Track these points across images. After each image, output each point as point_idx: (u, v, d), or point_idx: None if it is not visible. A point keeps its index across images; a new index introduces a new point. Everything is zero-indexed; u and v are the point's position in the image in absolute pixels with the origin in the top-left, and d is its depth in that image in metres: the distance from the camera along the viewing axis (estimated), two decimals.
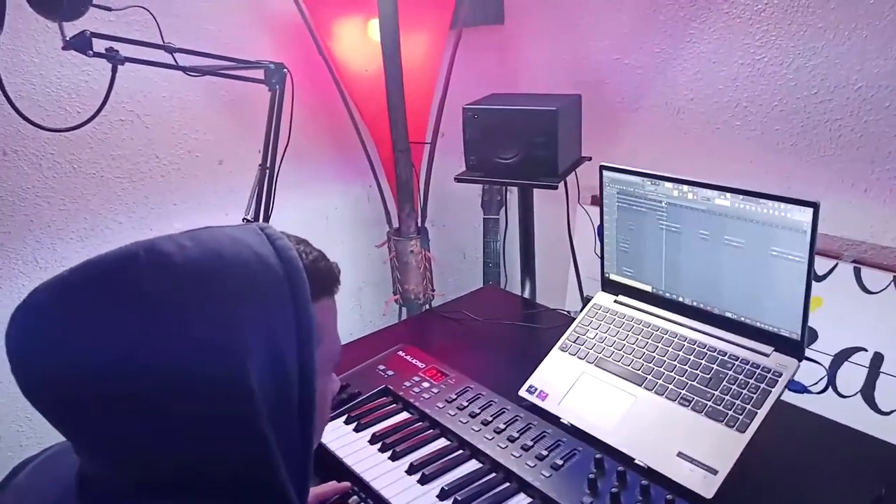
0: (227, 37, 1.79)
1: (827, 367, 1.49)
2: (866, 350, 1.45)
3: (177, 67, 1.37)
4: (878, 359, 1.43)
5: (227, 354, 0.54)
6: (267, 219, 1.56)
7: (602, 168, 1.24)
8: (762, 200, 1.02)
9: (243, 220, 1.56)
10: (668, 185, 1.14)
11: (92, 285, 0.54)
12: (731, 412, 1.02)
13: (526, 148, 1.52)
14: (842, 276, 1.50)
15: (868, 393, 1.44)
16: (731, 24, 1.61)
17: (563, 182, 1.61)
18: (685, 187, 1.12)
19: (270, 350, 0.57)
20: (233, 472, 0.56)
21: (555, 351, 1.25)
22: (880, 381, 1.43)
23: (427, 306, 2.09)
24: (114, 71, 1.31)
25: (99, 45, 1.29)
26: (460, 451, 1.04)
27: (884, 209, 1.47)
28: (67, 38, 1.24)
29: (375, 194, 2.11)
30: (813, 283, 1.44)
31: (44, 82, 1.59)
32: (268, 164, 1.54)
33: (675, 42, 1.73)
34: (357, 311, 2.35)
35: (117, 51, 1.30)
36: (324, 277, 0.67)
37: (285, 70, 1.49)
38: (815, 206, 0.96)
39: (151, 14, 1.37)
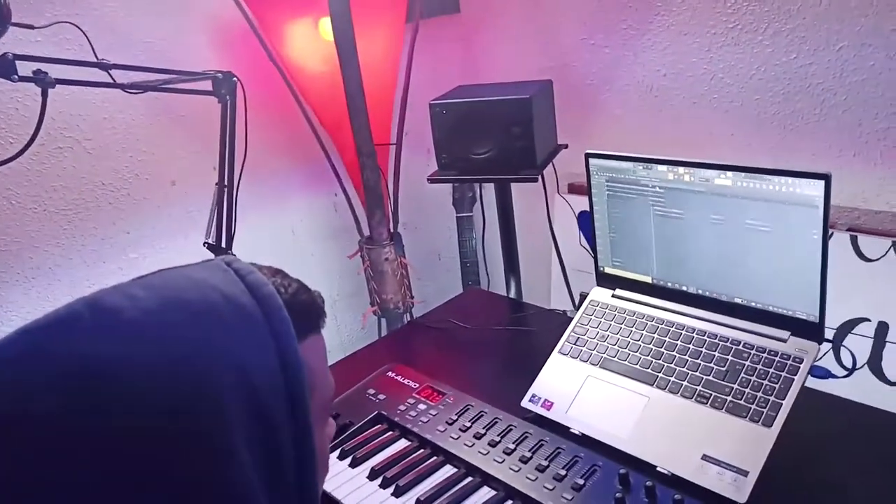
0: (170, 49, 1.67)
1: (830, 341, 1.44)
2: (870, 320, 1.40)
3: (114, 85, 1.25)
4: (882, 328, 1.39)
5: (204, 429, 0.44)
6: (230, 239, 1.45)
7: (588, 156, 1.16)
8: (768, 177, 0.95)
9: (204, 244, 1.44)
10: (662, 168, 1.07)
11: (28, 360, 0.43)
12: (754, 406, 0.95)
13: (501, 140, 1.44)
14: (838, 245, 1.44)
15: (875, 365, 1.39)
16: None
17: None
18: (681, 169, 1.05)
19: (257, 412, 0.47)
20: None
21: (555, 355, 1.17)
22: (887, 350, 1.38)
23: (408, 315, 2.00)
24: (44, 95, 1.18)
25: (27, 68, 1.17)
26: (469, 479, 0.95)
27: (874, 172, 1.42)
28: None
29: (343, 203, 2.01)
30: None
31: None
32: (225, 182, 1.42)
33: (643, 15, 1.66)
34: (333, 326, 2.24)
35: (46, 73, 1.18)
36: (307, 311, 0.56)
37: (235, 79, 1.38)
38: (826, 178, 0.89)
39: (81, 30, 1.25)
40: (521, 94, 1.40)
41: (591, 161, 1.16)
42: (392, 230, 1.95)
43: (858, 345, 1.41)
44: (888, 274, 1.38)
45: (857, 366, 1.41)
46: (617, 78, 1.77)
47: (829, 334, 1.44)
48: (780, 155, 1.52)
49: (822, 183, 0.90)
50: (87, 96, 1.57)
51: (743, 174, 0.97)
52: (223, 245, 1.44)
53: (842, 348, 1.43)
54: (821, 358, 1.44)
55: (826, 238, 0.92)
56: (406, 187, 2.04)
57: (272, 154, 1.94)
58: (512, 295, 1.67)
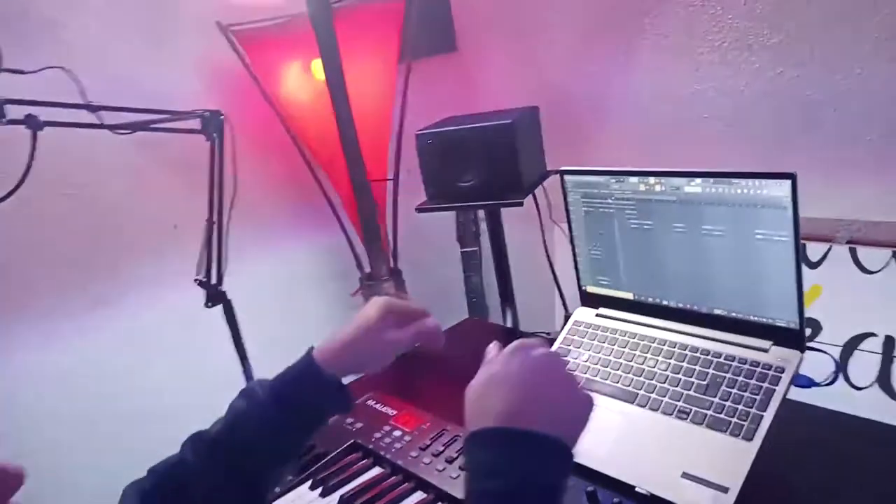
0: (164, 90, 1.71)
1: (837, 359, 1.37)
2: (876, 335, 1.34)
3: (102, 126, 1.29)
4: (890, 343, 1.32)
5: None
6: (220, 276, 1.46)
7: (562, 173, 1.15)
8: (734, 180, 0.93)
9: (195, 280, 1.46)
10: (633, 179, 1.05)
11: None
12: (734, 419, 0.90)
13: (486, 167, 1.43)
14: (838, 259, 1.39)
15: (885, 380, 1.32)
16: (686, 13, 1.54)
17: (533, 201, 1.52)
18: (652, 179, 1.03)
19: None
20: None
21: None
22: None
23: None
24: (34, 138, 1.22)
25: (19, 112, 1.21)
26: None
27: (869, 183, 1.37)
28: None
29: (344, 240, 2.02)
30: (808, 270, 1.34)
31: None
32: (214, 219, 1.44)
33: (632, 39, 1.66)
34: None
35: (36, 116, 1.22)
36: None
37: (222, 117, 1.41)
38: (792, 178, 0.87)
39: (70, 74, 1.29)
40: (504, 119, 1.40)
41: (566, 178, 1.15)
42: (392, 266, 1.95)
43: (866, 361, 1.34)
44: (892, 285, 1.32)
45: (867, 384, 1.34)
46: (610, 103, 1.77)
47: (834, 352, 1.37)
48: (774, 169, 1.49)
49: (788, 182, 0.87)
50: (87, 142, 1.62)
51: (711, 179, 0.95)
52: (213, 281, 1.45)
53: (849, 364, 1.36)
54: (831, 378, 1.37)
55: (798, 239, 0.88)
56: (410, 224, 2.05)
57: (271, 193, 1.97)
58: (509, 324, 1.64)
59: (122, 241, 1.74)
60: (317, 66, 1.71)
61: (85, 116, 1.31)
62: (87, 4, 1.60)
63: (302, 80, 1.75)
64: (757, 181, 0.90)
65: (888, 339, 1.32)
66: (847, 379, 1.36)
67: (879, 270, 1.34)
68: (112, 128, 1.31)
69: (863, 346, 1.35)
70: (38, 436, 1.62)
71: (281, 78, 1.76)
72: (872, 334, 1.34)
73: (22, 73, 1.23)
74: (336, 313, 2.18)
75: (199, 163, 1.76)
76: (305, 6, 1.58)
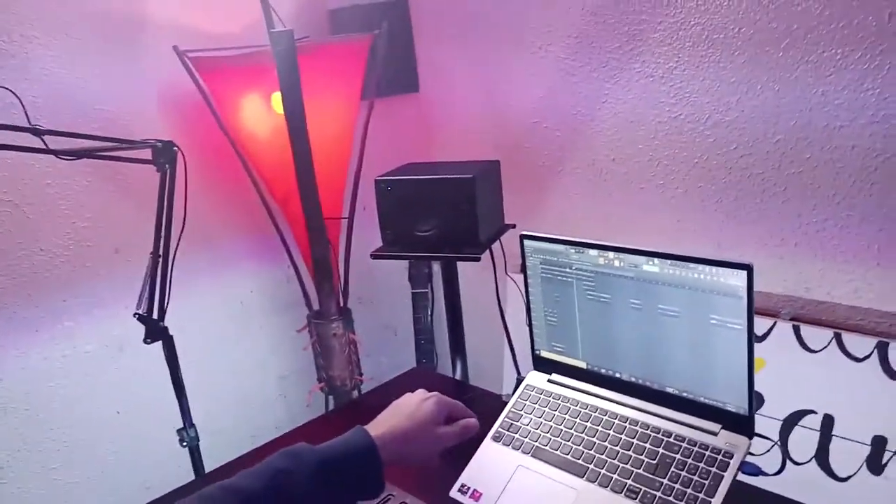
0: (121, 117, 1.66)
1: (777, 434, 1.40)
2: (816, 412, 1.37)
3: (46, 151, 1.22)
4: (828, 421, 1.35)
5: None
6: (163, 311, 1.40)
7: (523, 237, 1.15)
8: (692, 265, 0.94)
9: (134, 314, 1.39)
10: (593, 252, 1.05)
11: None
12: (683, 503, 0.90)
13: (444, 218, 1.42)
14: (782, 335, 1.43)
15: (822, 459, 1.35)
16: (644, 83, 1.58)
17: (489, 253, 1.51)
18: (611, 254, 1.03)
19: None
20: None
21: (487, 441, 1.12)
22: (833, 445, 1.34)
23: (356, 392, 1.93)
24: None
25: None
26: None
27: (815, 263, 1.42)
28: None
29: (293, 275, 1.97)
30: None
31: None
32: (160, 252, 1.39)
33: (591, 103, 1.69)
34: (283, 402, 2.17)
35: None
36: None
37: (175, 148, 1.37)
38: (748, 269, 0.88)
39: (16, 95, 1.23)
40: (466, 173, 1.40)
41: (526, 243, 1.14)
42: (342, 304, 1.91)
43: (805, 438, 1.37)
44: (832, 366, 1.36)
45: (804, 460, 1.37)
46: (568, 161, 1.79)
47: (775, 425, 1.40)
48: (724, 242, 1.53)
49: (744, 273, 0.88)
50: (28, 161, 1.55)
51: (668, 261, 0.96)
52: (154, 316, 1.39)
53: (789, 439, 1.39)
54: (766, 451, 1.40)
55: (751, 329, 0.90)
56: (363, 262, 2.01)
57: (222, 224, 1.92)
58: (458, 376, 1.62)
59: (59, 263, 1.65)
60: (277, 99, 1.68)
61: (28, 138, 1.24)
62: (38, 22, 1.53)
63: (261, 112, 1.72)
64: (713, 268, 0.92)
65: (826, 417, 1.35)
66: (786, 454, 1.39)
67: (821, 350, 1.38)
68: (56, 153, 1.25)
69: (803, 422, 1.38)
70: None
71: (240, 109, 1.72)
72: (812, 411, 1.37)
73: None
74: (280, 349, 2.13)
75: (146, 189, 1.70)
76: (268, 39, 1.56)
